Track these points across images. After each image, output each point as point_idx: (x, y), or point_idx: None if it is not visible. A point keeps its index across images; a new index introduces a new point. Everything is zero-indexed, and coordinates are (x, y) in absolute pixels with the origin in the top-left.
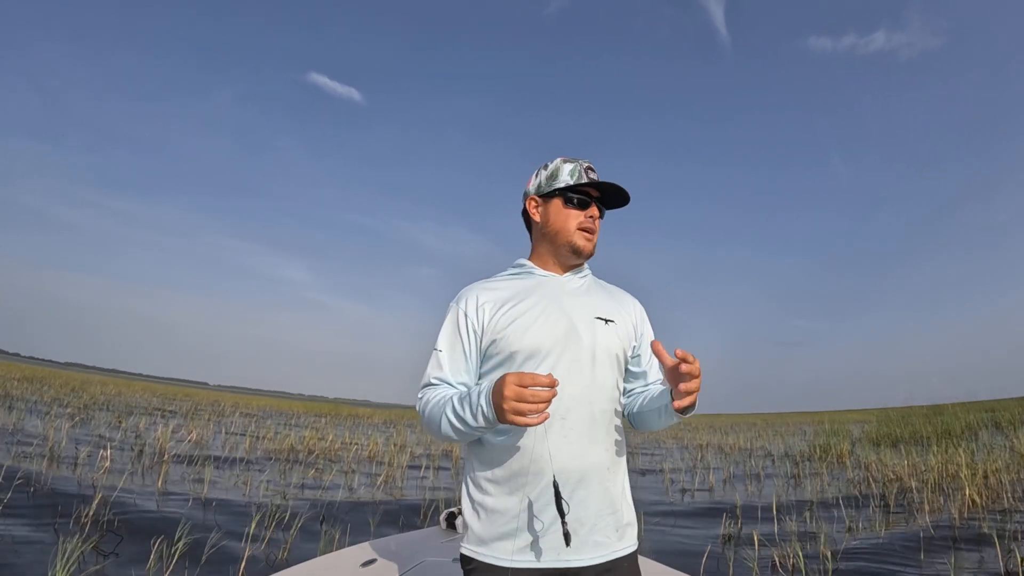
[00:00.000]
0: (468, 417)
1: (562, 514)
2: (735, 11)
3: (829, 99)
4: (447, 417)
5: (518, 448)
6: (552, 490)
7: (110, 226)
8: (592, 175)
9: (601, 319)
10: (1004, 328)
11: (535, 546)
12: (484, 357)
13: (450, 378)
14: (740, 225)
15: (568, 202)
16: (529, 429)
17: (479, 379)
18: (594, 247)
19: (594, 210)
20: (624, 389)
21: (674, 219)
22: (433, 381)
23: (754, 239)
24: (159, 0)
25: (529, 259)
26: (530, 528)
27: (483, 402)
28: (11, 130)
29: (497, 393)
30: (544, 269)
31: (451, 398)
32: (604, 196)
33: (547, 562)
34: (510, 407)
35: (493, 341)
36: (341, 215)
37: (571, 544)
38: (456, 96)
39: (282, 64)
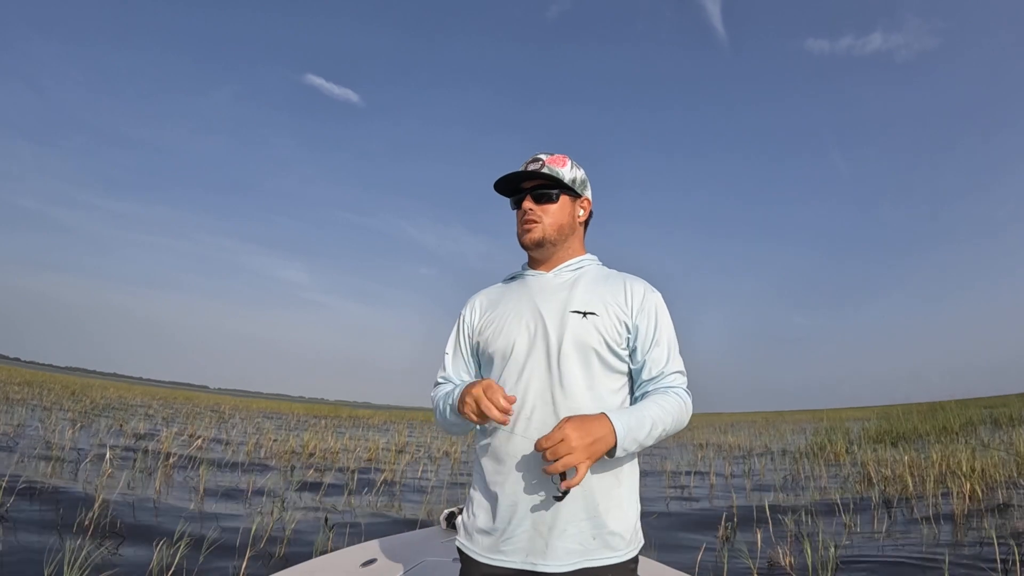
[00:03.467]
0: (449, 404)
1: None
2: (732, 16)
3: (828, 97)
4: (444, 405)
5: (492, 448)
6: (530, 503)
7: (108, 227)
8: (531, 167)
9: (577, 312)
10: (1003, 325)
11: (504, 545)
12: (478, 360)
13: (452, 377)
14: (739, 222)
15: (512, 207)
16: (499, 430)
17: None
18: (542, 234)
19: (527, 202)
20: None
21: (673, 215)
22: (439, 380)
23: (753, 235)
24: (154, 0)
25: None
26: (501, 527)
27: (456, 393)
28: (6, 131)
29: (466, 391)
30: (534, 269)
31: (454, 388)
32: (555, 183)
33: (516, 563)
34: (468, 403)
35: (477, 344)
36: (340, 215)
37: (537, 547)
38: (454, 95)
39: (278, 65)
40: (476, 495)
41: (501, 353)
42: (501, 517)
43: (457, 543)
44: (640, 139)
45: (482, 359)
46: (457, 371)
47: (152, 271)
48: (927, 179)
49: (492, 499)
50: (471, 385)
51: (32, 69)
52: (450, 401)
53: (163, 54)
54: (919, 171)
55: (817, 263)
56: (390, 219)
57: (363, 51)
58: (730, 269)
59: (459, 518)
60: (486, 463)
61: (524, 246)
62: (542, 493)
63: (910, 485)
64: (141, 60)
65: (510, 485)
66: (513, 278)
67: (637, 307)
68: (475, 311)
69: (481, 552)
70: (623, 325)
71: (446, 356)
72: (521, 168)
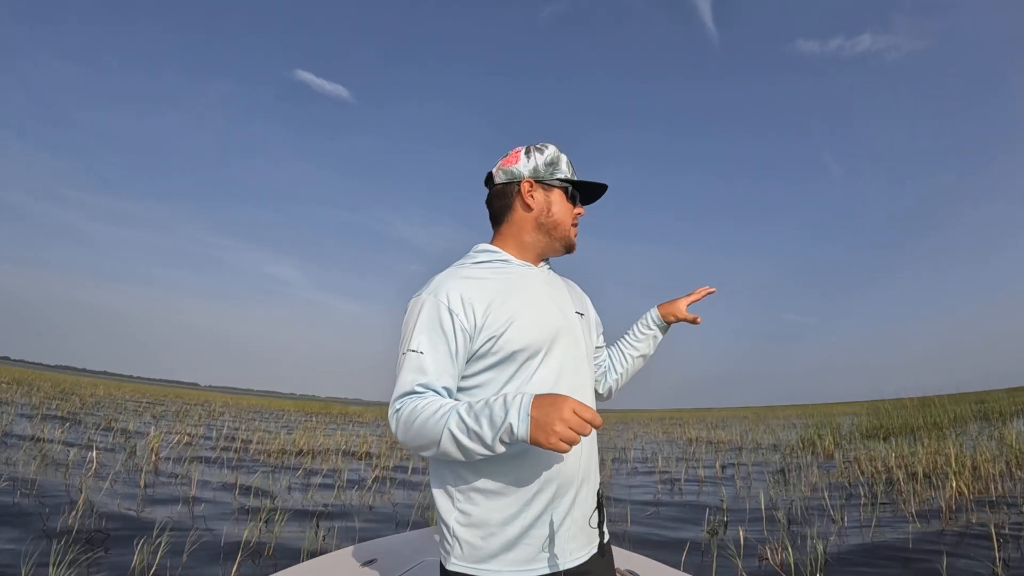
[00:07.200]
0: (486, 432)
1: (602, 521)
2: (723, 15)
3: (820, 100)
4: (451, 432)
5: (532, 454)
6: (572, 494)
7: (99, 224)
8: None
9: (578, 313)
10: (994, 321)
11: (548, 550)
12: (473, 357)
13: (436, 383)
14: (728, 219)
15: (571, 197)
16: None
17: (463, 381)
18: None
19: (582, 209)
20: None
21: (666, 212)
22: (417, 389)
23: (745, 234)
24: (144, 1)
25: (495, 245)
26: (544, 534)
27: (514, 419)
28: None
29: (549, 412)
30: (519, 258)
31: (453, 410)
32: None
33: (563, 564)
34: (563, 432)
35: (491, 339)
36: (331, 212)
37: (578, 542)
38: (446, 94)
39: (268, 62)
40: (496, 513)
41: (530, 351)
42: (546, 525)
43: (465, 569)
44: (630, 147)
45: (491, 357)
46: (441, 374)
47: (142, 268)
48: (920, 178)
49: (537, 508)
50: (553, 406)
51: (28, 73)
52: (486, 422)
53: (153, 55)
54: (912, 170)
55: (808, 260)
56: (382, 215)
57: (354, 47)
58: (720, 266)
59: (456, 541)
60: (521, 471)
61: (570, 247)
62: (584, 489)
63: (900, 480)
64: (131, 61)
65: (557, 489)
66: (492, 264)
67: (592, 309)
68: (472, 303)
69: (516, 568)
70: (596, 325)
71: (420, 356)
72: (568, 160)
